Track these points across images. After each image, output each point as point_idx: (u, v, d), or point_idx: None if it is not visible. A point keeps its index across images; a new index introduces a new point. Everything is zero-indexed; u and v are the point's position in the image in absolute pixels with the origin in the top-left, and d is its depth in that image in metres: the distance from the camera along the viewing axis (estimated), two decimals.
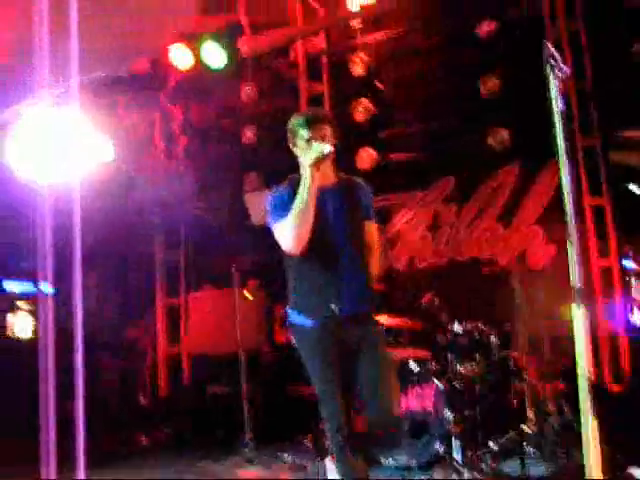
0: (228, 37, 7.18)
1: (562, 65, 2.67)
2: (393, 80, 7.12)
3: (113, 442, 6.65)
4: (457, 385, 4.84)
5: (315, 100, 7.34)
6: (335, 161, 3.51)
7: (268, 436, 6.04)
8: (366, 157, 6.86)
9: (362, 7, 6.83)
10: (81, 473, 2.47)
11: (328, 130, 3.44)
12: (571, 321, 2.64)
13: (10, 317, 8.34)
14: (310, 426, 5.58)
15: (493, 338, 5.01)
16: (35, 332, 8.25)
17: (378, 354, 3.41)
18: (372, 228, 3.57)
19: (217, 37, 7.12)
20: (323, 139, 3.38)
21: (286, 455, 5.68)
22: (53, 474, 2.30)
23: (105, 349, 7.73)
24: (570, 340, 2.69)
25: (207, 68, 7.19)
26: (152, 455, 6.40)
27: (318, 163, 3.32)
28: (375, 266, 3.55)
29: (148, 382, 7.91)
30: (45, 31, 4.63)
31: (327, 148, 3.33)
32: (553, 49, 2.70)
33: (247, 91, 7.40)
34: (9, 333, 8.28)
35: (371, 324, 3.50)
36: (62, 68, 4.87)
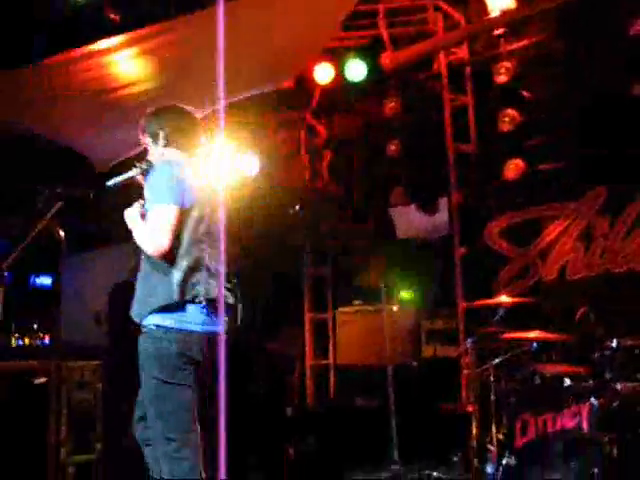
0: (370, 52, 7.24)
1: None
2: (539, 87, 6.92)
3: (259, 453, 6.79)
4: (615, 404, 4.60)
5: (460, 111, 7.24)
6: None
7: (415, 452, 5.99)
8: (514, 168, 6.69)
9: (503, 11, 6.65)
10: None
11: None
12: None
13: None
14: (459, 443, 5.48)
15: None
16: None
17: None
18: None
19: (360, 52, 7.21)
20: None
21: (435, 473, 5.61)
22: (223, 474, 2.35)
23: (251, 360, 7.93)
24: None
25: (350, 83, 7.29)
26: (298, 467, 6.47)
27: None
28: None
29: (295, 394, 8.04)
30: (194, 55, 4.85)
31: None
32: None
33: (390, 105, 7.40)
34: None
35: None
36: (212, 90, 5.09)
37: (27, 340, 6.52)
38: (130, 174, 3.60)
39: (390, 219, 7.62)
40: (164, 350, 3.35)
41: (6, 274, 4.07)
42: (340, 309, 7.80)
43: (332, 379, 7.92)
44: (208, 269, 3.44)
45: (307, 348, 8.12)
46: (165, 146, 3.56)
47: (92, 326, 7.03)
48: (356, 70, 7.20)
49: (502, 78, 6.80)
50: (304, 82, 7.42)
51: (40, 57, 5.38)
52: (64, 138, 6.08)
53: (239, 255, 7.33)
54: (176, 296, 3.36)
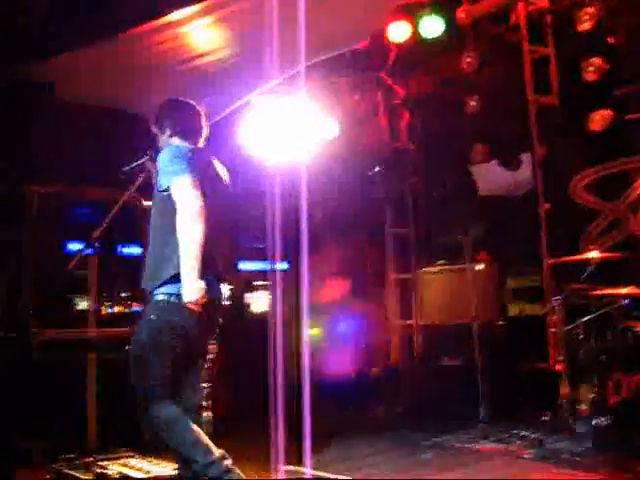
0: (446, 6, 7.08)
1: None
2: (626, 33, 6.62)
3: (346, 413, 6.89)
4: None
5: (540, 63, 7.01)
6: None
7: (503, 411, 5.96)
8: (600, 119, 6.45)
9: None
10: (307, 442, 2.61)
11: None
12: None
13: (247, 295, 8.92)
14: (548, 402, 5.42)
15: None
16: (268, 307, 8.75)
17: None
18: None
19: (435, 7, 7.06)
20: None
21: (524, 432, 5.58)
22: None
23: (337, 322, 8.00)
24: None
25: (426, 40, 7.15)
26: (387, 427, 6.52)
27: None
28: None
29: (381, 354, 8.09)
30: (275, 22, 4.86)
31: None
32: None
33: (468, 60, 7.22)
34: (248, 309, 8.86)
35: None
36: (290, 55, 5.09)
37: (117, 308, 6.73)
38: (141, 160, 4.05)
39: (471, 176, 7.52)
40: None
41: (97, 244, 4.19)
42: (423, 269, 7.77)
43: (417, 339, 7.91)
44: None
45: (390, 308, 8.14)
46: (170, 136, 3.86)
47: None
48: (432, 26, 7.07)
49: (585, 25, 6.52)
50: (379, 41, 7.32)
51: (119, 30, 5.46)
52: (143, 109, 6.18)
53: (320, 219, 7.39)
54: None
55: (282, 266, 6.07)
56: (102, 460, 4.77)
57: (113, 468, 4.63)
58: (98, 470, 4.58)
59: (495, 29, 7.34)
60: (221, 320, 3.80)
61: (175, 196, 3.54)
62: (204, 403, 4.39)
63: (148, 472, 4.52)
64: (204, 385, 4.26)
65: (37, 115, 5.82)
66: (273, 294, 6.95)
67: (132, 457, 4.91)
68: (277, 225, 5.06)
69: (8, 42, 5.34)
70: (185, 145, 3.79)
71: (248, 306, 8.93)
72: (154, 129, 3.94)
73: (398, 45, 7.41)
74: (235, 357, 6.07)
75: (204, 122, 3.95)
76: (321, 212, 7.56)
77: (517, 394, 6.19)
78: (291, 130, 5.45)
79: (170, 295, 3.53)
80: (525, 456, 5.08)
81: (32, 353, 5.28)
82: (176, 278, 3.50)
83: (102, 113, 6.19)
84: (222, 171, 3.91)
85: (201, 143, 3.93)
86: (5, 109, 5.55)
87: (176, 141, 3.83)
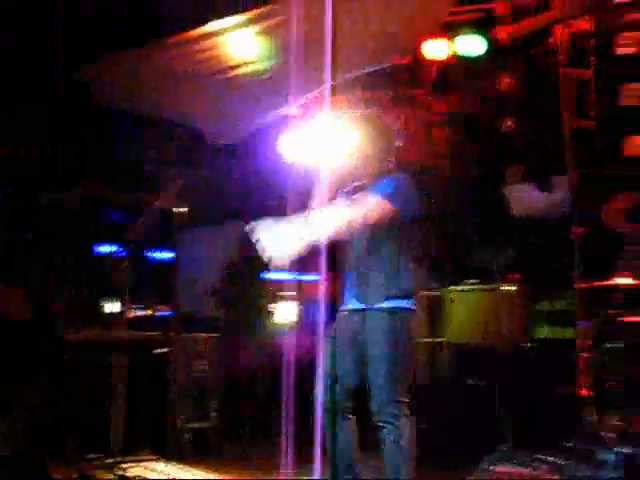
0: (485, 25, 7.07)
1: None
2: None
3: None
4: None
5: (580, 87, 6.97)
6: None
7: (527, 435, 5.89)
8: (637, 144, 6.39)
9: None
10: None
11: None
12: None
13: (272, 305, 8.93)
14: (573, 428, 5.36)
15: None
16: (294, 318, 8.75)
17: None
18: None
19: (474, 26, 7.05)
20: None
21: (547, 457, 5.51)
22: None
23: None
24: None
25: (464, 58, 7.15)
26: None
27: None
28: None
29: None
30: (301, 35, 4.90)
31: None
32: None
33: (506, 80, 7.22)
34: (273, 319, 8.87)
35: None
36: (320, 71, 5.13)
37: (147, 312, 6.81)
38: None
39: (505, 198, 7.47)
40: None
41: (131, 247, 4.27)
42: (453, 287, 7.72)
43: (444, 357, 7.85)
44: None
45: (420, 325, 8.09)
46: None
47: (205, 299, 7.25)
48: (472, 45, 7.05)
49: (626, 49, 6.49)
50: (419, 58, 7.33)
51: (159, 36, 5.56)
52: (181, 116, 6.27)
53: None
54: None
55: (310, 277, 6.10)
56: (125, 462, 4.82)
57: (134, 471, 4.68)
58: (119, 472, 4.63)
59: (535, 50, 7.33)
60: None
61: None
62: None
63: (168, 475, 4.56)
64: None
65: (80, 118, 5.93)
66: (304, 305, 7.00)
67: (156, 461, 4.96)
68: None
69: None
70: None
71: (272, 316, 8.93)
72: None
73: (438, 63, 7.42)
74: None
75: None
76: None
77: (543, 418, 6.12)
78: (330, 143, 5.50)
79: None
80: None
81: (64, 353, 5.36)
82: None
83: (136, 119, 6.27)
84: None
85: None
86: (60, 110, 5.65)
87: None
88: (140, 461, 4.94)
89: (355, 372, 3.93)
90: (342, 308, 4.06)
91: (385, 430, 3.79)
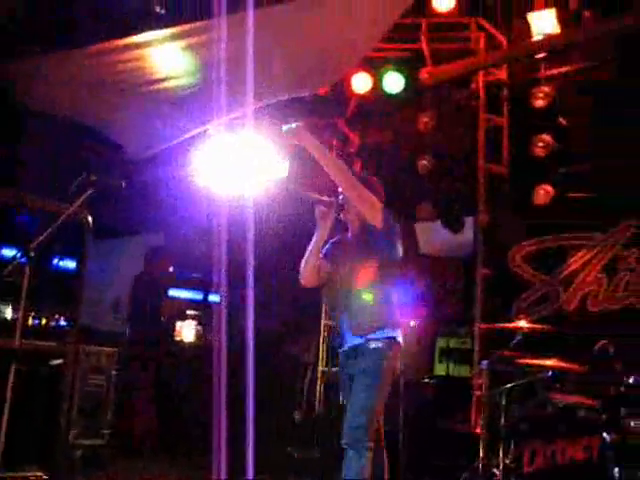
0: (409, 65, 7.25)
1: None
2: (575, 115, 6.89)
3: (271, 454, 6.80)
4: (628, 441, 4.56)
5: (493, 132, 7.22)
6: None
7: (422, 469, 5.97)
8: (544, 193, 6.66)
9: (547, 36, 6.59)
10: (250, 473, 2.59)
11: None
12: None
13: (179, 323, 8.81)
14: (466, 464, 5.45)
15: None
16: (199, 338, 8.64)
17: None
18: None
19: (399, 65, 7.22)
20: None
21: None
22: (224, 474, 2.39)
23: (265, 362, 7.93)
24: None
25: (386, 94, 7.29)
26: (304, 471, 6.46)
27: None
28: None
29: (304, 399, 8.03)
30: (223, 59, 4.90)
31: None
32: None
33: (425, 120, 7.38)
34: (177, 338, 8.73)
35: None
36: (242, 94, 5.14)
37: (43, 320, 6.56)
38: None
39: (414, 234, 7.61)
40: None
41: (32, 254, 4.11)
42: None
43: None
44: None
45: (320, 353, 8.12)
46: None
47: (109, 313, 7.08)
48: (394, 82, 7.21)
49: (539, 102, 6.78)
50: (340, 89, 7.43)
51: (84, 43, 5.44)
52: (100, 124, 6.14)
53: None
54: None
55: (215, 298, 6.04)
56: (6, 478, 4.61)
57: None
58: None
59: (455, 93, 7.54)
60: None
61: None
62: None
63: None
64: None
65: None
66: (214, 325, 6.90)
67: (39, 477, 4.76)
68: (222, 256, 5.04)
69: None
70: None
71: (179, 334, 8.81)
72: None
73: (358, 96, 7.54)
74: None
75: None
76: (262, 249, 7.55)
77: (437, 453, 6.21)
78: (243, 165, 5.49)
79: None
80: None
81: None
82: None
83: (59, 123, 6.11)
84: None
85: None
86: None
87: None
88: (23, 478, 4.72)
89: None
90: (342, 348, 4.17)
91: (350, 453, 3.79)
